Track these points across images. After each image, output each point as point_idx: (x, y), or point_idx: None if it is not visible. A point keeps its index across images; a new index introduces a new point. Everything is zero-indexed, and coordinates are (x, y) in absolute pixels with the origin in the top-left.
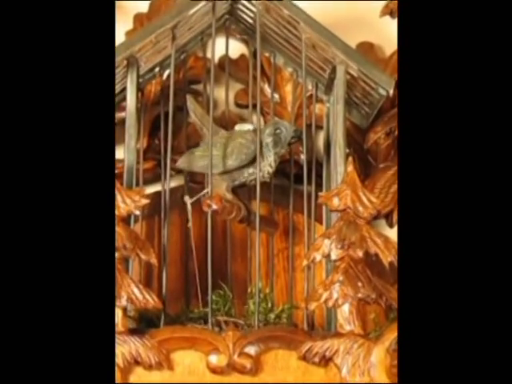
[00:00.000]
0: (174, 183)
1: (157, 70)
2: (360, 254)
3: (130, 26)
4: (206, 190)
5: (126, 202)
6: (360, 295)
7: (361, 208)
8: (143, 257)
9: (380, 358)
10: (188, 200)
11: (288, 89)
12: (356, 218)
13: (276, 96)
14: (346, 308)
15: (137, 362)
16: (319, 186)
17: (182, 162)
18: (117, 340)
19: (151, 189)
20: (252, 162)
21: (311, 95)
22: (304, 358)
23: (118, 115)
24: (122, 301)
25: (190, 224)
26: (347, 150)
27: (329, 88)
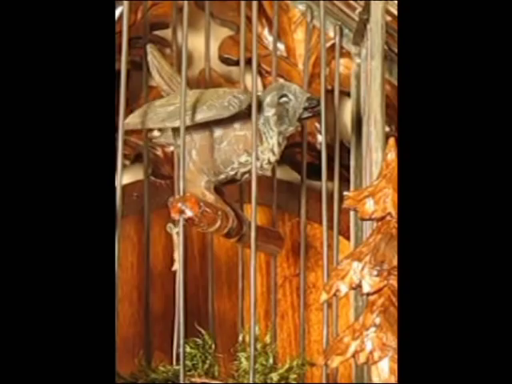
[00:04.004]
0: (128, 177)
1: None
2: None
3: None
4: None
5: None
6: None
7: None
8: None
9: None
10: (174, 230)
11: (298, 36)
12: None
13: (281, 47)
14: (384, 365)
15: None
16: (345, 182)
17: (131, 118)
18: None
19: None
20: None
21: (333, 46)
22: None
23: None
24: None
25: (177, 267)
26: (387, 129)
27: (359, 35)
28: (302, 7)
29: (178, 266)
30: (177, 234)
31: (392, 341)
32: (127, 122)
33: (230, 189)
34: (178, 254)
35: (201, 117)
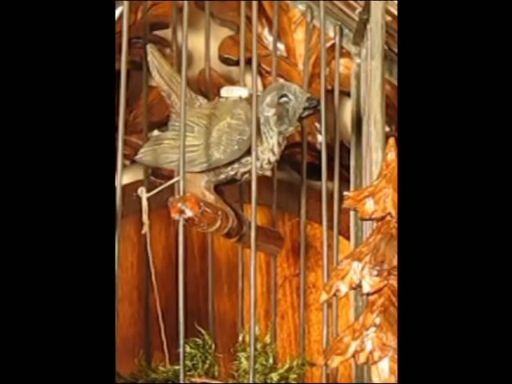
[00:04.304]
0: (128, 177)
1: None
2: None
3: None
4: (174, 180)
5: None
6: None
7: None
8: None
9: None
10: (144, 193)
11: (298, 36)
12: None
13: (281, 47)
14: (384, 365)
15: None
16: (345, 182)
17: (144, 155)
18: None
19: None
20: (247, 150)
21: (333, 46)
22: None
23: None
24: None
25: (146, 229)
26: (387, 129)
27: (359, 35)
28: (301, 7)
29: (146, 229)
30: (146, 199)
31: (392, 341)
32: (139, 157)
33: (229, 189)
34: (145, 223)
35: (215, 164)
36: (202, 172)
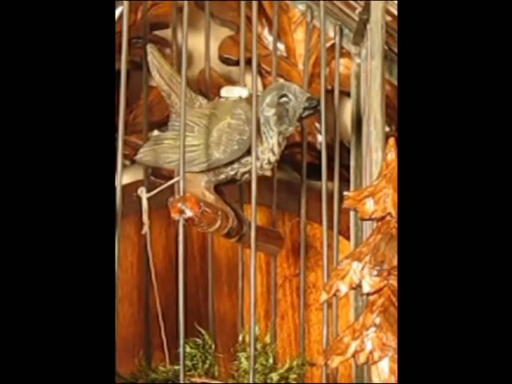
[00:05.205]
0: (128, 177)
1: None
2: None
3: None
4: (174, 180)
5: None
6: None
7: None
8: None
9: None
10: (144, 194)
11: (298, 36)
12: None
13: (281, 47)
14: (384, 365)
15: None
16: (345, 182)
17: (144, 155)
18: None
19: None
20: (247, 150)
21: (333, 46)
22: None
23: None
24: None
25: (146, 229)
26: (387, 129)
27: (359, 35)
28: (302, 7)
29: (146, 229)
30: (146, 199)
31: (392, 341)
32: (139, 157)
33: (230, 189)
34: (145, 223)
35: (215, 163)
36: (201, 172)
